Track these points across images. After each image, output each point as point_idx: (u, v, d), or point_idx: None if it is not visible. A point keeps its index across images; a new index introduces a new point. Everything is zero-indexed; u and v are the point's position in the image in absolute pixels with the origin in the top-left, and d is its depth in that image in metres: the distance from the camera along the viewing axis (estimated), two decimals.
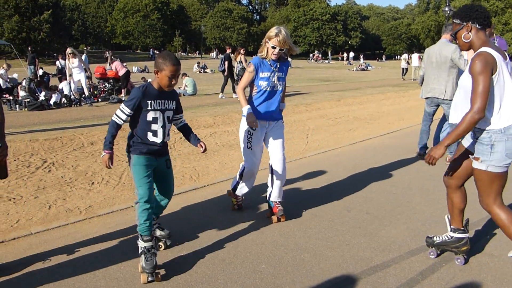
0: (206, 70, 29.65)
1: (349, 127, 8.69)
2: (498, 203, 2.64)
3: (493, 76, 2.51)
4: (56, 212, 3.87)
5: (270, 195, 3.68)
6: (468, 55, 5.10)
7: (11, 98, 11.75)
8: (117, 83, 13.60)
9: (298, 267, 2.86)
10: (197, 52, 63.10)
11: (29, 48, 26.08)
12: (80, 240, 3.24)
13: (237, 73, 13.29)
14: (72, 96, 11.96)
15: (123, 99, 12.19)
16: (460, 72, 5.23)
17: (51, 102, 11.29)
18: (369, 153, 6.28)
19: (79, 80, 11.91)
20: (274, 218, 3.65)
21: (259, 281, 2.69)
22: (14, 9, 37.38)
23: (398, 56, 59.87)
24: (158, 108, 2.79)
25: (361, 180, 4.82)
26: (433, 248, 3.01)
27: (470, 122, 2.47)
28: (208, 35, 67.18)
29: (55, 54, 31.14)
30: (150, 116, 2.77)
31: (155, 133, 2.81)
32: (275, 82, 3.50)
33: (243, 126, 3.57)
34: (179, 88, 14.50)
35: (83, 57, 17.73)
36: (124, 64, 14.26)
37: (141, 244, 2.75)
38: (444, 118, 5.71)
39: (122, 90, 13.20)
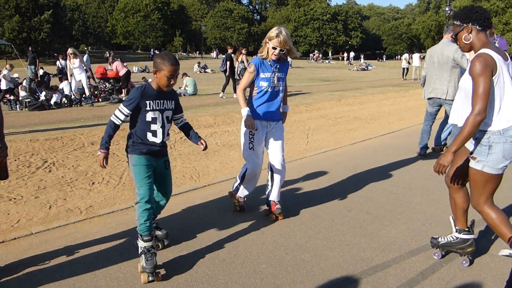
0: (206, 70, 29.66)
1: (349, 127, 8.68)
2: (489, 203, 2.67)
3: (493, 78, 2.51)
4: (56, 212, 3.87)
5: (269, 195, 3.70)
6: (470, 55, 5.10)
7: (11, 98, 11.77)
8: (117, 83, 13.60)
9: (298, 267, 2.86)
10: (198, 52, 63.11)
11: (30, 48, 26.09)
12: (80, 240, 3.24)
13: (238, 73, 13.28)
14: (73, 96, 11.97)
15: (123, 99, 12.19)
16: (462, 72, 5.22)
17: (52, 102, 11.30)
18: (370, 153, 6.28)
19: (80, 80, 11.91)
20: (272, 216, 3.67)
21: (259, 281, 2.69)
22: (15, 9, 37.42)
23: (399, 56, 59.86)
24: (157, 108, 2.79)
25: (361, 180, 4.82)
26: (438, 249, 2.99)
27: (473, 124, 2.47)
28: (208, 35, 67.20)
29: (55, 54, 31.17)
30: (149, 116, 2.77)
31: (154, 133, 2.81)
32: (276, 82, 3.50)
33: (244, 127, 3.58)
34: (180, 88, 14.50)
35: (85, 57, 17.70)
36: (125, 64, 14.27)
37: (141, 244, 2.75)
38: (447, 118, 5.71)
39: (123, 90, 13.21)
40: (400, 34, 73.28)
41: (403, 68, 23.89)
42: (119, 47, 63.52)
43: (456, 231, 2.93)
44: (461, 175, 2.83)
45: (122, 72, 13.26)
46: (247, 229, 3.47)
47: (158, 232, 3.12)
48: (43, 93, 11.41)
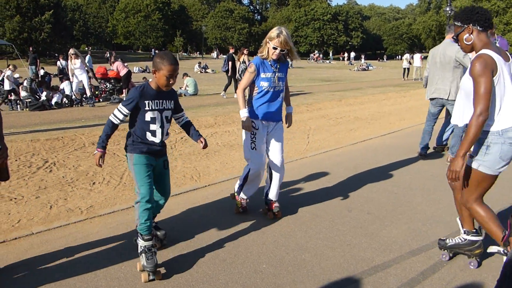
0: (207, 70, 29.66)
1: (350, 127, 8.68)
2: (479, 202, 2.70)
3: (494, 78, 2.50)
4: (57, 212, 3.87)
5: (267, 194, 3.72)
6: (473, 55, 5.08)
7: (12, 98, 11.78)
8: (118, 83, 13.61)
9: (299, 267, 2.86)
10: (198, 52, 63.13)
11: (31, 48, 26.12)
12: (81, 240, 3.25)
13: (240, 73, 13.29)
14: (73, 97, 11.98)
15: (124, 99, 12.19)
16: (465, 72, 5.21)
17: (53, 102, 11.31)
18: (370, 153, 6.28)
19: (81, 80, 11.93)
20: (270, 214, 3.68)
21: (260, 281, 2.69)
22: (16, 10, 37.49)
23: (399, 56, 59.82)
24: (156, 108, 2.79)
25: (362, 180, 4.81)
26: (446, 250, 2.96)
27: (476, 125, 2.46)
28: (209, 35, 67.21)
29: (56, 54, 31.21)
30: (148, 116, 2.77)
31: (153, 133, 2.81)
32: (276, 82, 3.50)
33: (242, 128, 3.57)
34: (180, 88, 14.51)
35: (87, 58, 17.71)
36: (126, 64, 14.28)
37: (142, 243, 2.75)
38: (449, 119, 5.70)
39: (124, 90, 13.21)
40: (400, 34, 73.21)
41: (404, 68, 23.87)
42: (119, 47, 63.57)
43: (464, 233, 2.91)
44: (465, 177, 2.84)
45: (123, 72, 13.27)
46: (247, 229, 3.47)
47: (157, 232, 3.12)
48: (44, 93, 11.43)
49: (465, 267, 2.88)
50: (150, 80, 2.93)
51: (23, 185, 4.59)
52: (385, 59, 59.43)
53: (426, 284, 2.67)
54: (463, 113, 2.73)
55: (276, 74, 3.48)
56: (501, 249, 2.68)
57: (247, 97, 3.60)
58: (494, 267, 2.87)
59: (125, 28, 62.28)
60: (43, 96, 11.30)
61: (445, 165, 5.49)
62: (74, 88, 12.01)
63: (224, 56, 13.92)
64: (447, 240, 2.97)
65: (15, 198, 4.20)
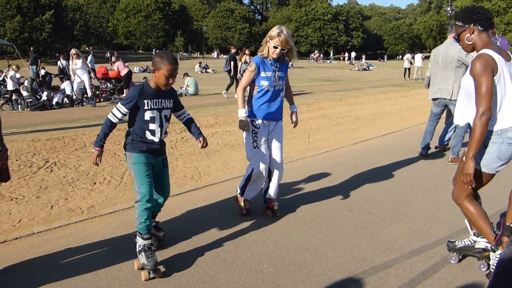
0: (207, 70, 29.63)
1: (350, 127, 8.68)
2: (469, 199, 2.71)
3: (494, 78, 2.50)
4: (58, 212, 3.87)
5: (266, 192, 3.73)
6: (475, 54, 5.08)
7: (14, 98, 11.79)
8: (119, 83, 13.62)
9: (299, 267, 2.86)
10: (199, 52, 63.13)
11: (31, 48, 26.11)
12: (82, 240, 3.25)
13: (241, 73, 13.30)
14: (74, 96, 11.98)
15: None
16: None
17: (53, 102, 11.32)
18: (371, 153, 6.27)
19: (82, 81, 11.93)
20: (269, 212, 3.69)
21: (260, 281, 2.69)
22: (16, 10, 37.52)
23: (400, 56, 59.78)
24: (155, 107, 2.79)
25: (362, 180, 4.81)
26: (455, 253, 2.92)
27: (481, 125, 2.46)
28: (209, 35, 67.23)
29: (57, 54, 31.21)
30: (147, 115, 2.77)
31: (152, 132, 2.81)
32: (277, 81, 3.50)
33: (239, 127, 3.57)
34: (181, 88, 14.52)
35: (89, 58, 17.71)
36: (126, 64, 14.30)
37: (141, 242, 2.75)
38: (452, 119, 5.70)
39: (124, 90, 13.20)
40: (401, 34, 73.15)
41: (405, 68, 23.88)
42: (120, 47, 63.60)
43: (474, 235, 2.88)
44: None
45: (123, 72, 13.27)
46: (248, 228, 3.47)
47: (157, 233, 3.12)
48: (45, 93, 11.44)
49: (466, 267, 2.87)
50: (149, 79, 2.93)
51: (24, 185, 4.59)
52: (385, 59, 59.39)
53: (427, 284, 2.66)
54: (463, 112, 2.72)
55: (276, 73, 3.48)
56: (488, 245, 2.71)
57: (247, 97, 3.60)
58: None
59: (126, 28, 62.33)
60: (44, 96, 11.31)
61: (446, 165, 5.49)
62: (75, 88, 12.02)
63: (225, 56, 13.94)
64: (456, 242, 2.94)
65: (16, 198, 4.20)
